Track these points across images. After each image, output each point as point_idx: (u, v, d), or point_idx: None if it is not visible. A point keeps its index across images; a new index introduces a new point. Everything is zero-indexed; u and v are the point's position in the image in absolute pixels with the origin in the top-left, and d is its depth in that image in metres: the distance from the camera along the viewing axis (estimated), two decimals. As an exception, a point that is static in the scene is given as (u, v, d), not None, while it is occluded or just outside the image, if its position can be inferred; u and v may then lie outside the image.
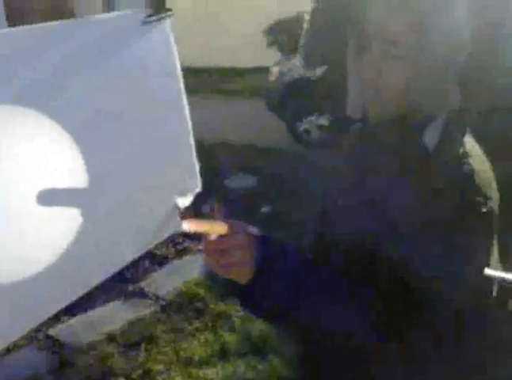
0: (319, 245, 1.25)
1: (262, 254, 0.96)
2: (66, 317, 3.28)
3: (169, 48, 1.27)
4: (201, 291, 3.54)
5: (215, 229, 0.94)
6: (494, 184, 1.07)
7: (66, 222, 1.12)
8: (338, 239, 1.13)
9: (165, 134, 1.30)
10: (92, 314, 3.38)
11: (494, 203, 1.04)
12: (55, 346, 3.14)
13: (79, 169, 1.09)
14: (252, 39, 8.38)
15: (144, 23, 1.20)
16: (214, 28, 9.50)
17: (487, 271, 1.05)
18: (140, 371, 2.95)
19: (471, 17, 0.99)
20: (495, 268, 1.11)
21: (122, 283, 3.60)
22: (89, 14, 1.22)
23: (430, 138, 1.05)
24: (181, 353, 3.06)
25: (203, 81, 8.51)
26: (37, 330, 3.10)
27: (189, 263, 3.90)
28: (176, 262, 3.96)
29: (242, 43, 8.91)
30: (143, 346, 3.12)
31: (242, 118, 6.92)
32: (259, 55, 8.00)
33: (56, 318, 3.19)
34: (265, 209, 4.59)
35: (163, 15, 1.21)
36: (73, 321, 3.31)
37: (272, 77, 6.44)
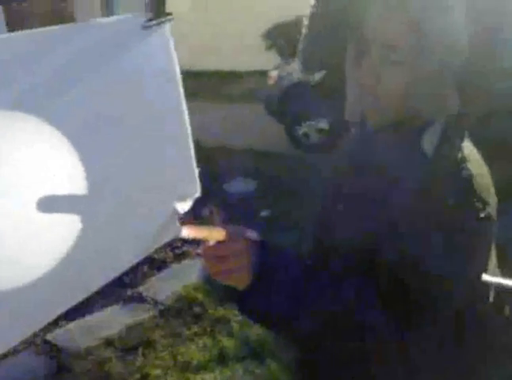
0: (318, 249, 1.25)
1: (260, 260, 0.96)
2: (64, 322, 3.28)
3: (168, 52, 1.27)
4: (200, 296, 3.54)
5: (213, 235, 0.94)
6: (492, 189, 1.07)
7: (66, 228, 1.12)
8: (338, 242, 1.13)
9: (164, 138, 1.29)
10: (90, 319, 3.38)
11: (493, 208, 1.04)
12: (53, 351, 3.14)
13: (79, 175, 1.09)
14: (251, 42, 8.39)
15: (144, 27, 1.20)
16: (213, 32, 9.51)
17: (485, 276, 1.05)
18: (138, 376, 2.95)
19: (469, 22, 0.99)
20: (493, 273, 1.11)
21: (120, 288, 3.60)
22: (88, 18, 1.21)
23: (429, 143, 1.05)
24: (179, 358, 3.06)
25: (202, 85, 8.51)
26: (35, 335, 3.09)
27: (188, 267, 3.90)
28: (175, 266, 3.96)
29: (241, 47, 8.92)
30: (140, 350, 3.12)
31: (241, 122, 6.92)
32: (258, 58, 8.00)
33: (54, 323, 3.18)
34: (264, 213, 4.59)
35: (163, 19, 1.21)
36: (71, 325, 3.31)
37: (271, 82, 6.45)
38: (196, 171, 1.38)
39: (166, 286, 3.72)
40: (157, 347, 3.16)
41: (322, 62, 1.19)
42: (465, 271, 1.01)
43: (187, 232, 0.91)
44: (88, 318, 3.38)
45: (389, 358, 1.02)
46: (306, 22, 1.15)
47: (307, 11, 1.14)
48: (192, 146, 1.36)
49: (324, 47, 1.15)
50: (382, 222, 1.02)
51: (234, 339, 3.16)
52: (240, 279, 0.96)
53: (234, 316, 3.25)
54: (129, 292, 3.64)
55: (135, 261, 1.33)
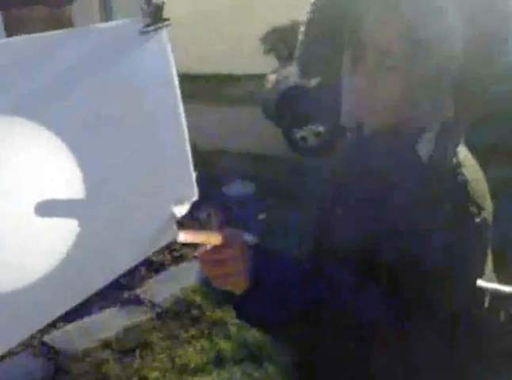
0: (316, 252, 1.25)
1: (257, 265, 0.97)
2: (61, 324, 3.28)
3: (166, 57, 1.27)
4: (198, 298, 3.54)
5: (210, 240, 0.94)
6: (487, 195, 1.07)
7: (64, 231, 1.12)
8: (337, 245, 1.14)
9: (161, 142, 1.30)
10: (87, 321, 3.38)
11: (488, 213, 1.05)
12: (51, 352, 3.14)
13: (76, 179, 1.09)
14: (249, 46, 8.40)
15: (142, 33, 1.20)
16: (210, 37, 9.53)
17: (480, 282, 1.05)
18: (135, 378, 2.95)
19: (464, 26, 0.99)
20: (490, 278, 1.12)
21: (118, 290, 3.60)
22: (87, 23, 1.22)
23: (424, 148, 1.05)
24: (177, 360, 3.06)
25: (200, 88, 8.52)
26: (32, 337, 3.09)
27: (186, 270, 3.90)
28: (173, 269, 3.96)
29: (238, 51, 8.93)
30: (138, 353, 3.12)
31: (239, 125, 6.93)
32: (256, 62, 8.01)
33: (52, 325, 3.18)
34: (261, 216, 4.60)
35: (160, 25, 1.22)
36: (69, 327, 3.31)
37: (269, 85, 6.46)
38: (194, 174, 1.39)
39: (163, 288, 3.72)
40: (155, 349, 3.16)
41: (319, 68, 1.20)
42: (462, 275, 1.02)
43: (184, 236, 0.92)
44: (86, 320, 3.38)
45: (388, 359, 1.02)
46: (302, 28, 1.16)
47: (304, 15, 1.15)
48: (189, 149, 1.37)
49: (321, 53, 1.16)
50: (380, 224, 1.02)
51: (231, 341, 3.17)
52: (237, 284, 0.97)
53: (232, 318, 3.25)
54: (127, 294, 3.64)
55: (132, 264, 1.34)
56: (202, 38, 9.59)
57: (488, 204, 1.06)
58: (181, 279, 3.79)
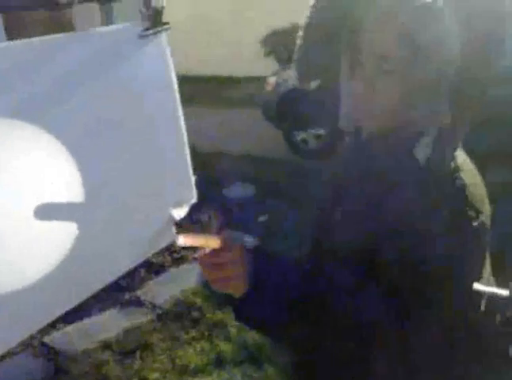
0: (316, 253, 1.25)
1: (256, 268, 0.97)
2: (61, 325, 3.28)
3: (165, 61, 1.28)
4: (198, 300, 3.54)
5: (209, 243, 0.94)
6: (486, 199, 1.07)
7: (64, 233, 1.13)
8: (337, 246, 1.14)
9: (160, 145, 1.31)
10: (87, 322, 3.38)
11: (486, 216, 1.05)
12: (51, 353, 3.14)
13: (76, 181, 1.10)
14: (248, 49, 8.40)
15: (141, 36, 1.21)
16: (210, 40, 9.53)
17: (476, 285, 1.05)
18: (136, 379, 2.95)
19: (461, 30, 0.99)
20: (488, 282, 1.12)
21: (118, 292, 3.60)
22: (88, 26, 1.23)
23: (422, 152, 1.05)
24: (177, 361, 3.06)
25: (200, 90, 8.52)
26: (33, 337, 3.10)
27: (186, 272, 3.90)
28: (173, 271, 3.95)
29: (238, 54, 8.93)
30: (138, 354, 3.12)
31: (238, 127, 6.92)
32: (256, 64, 8.01)
33: (52, 326, 3.19)
34: (262, 218, 4.60)
35: (159, 29, 1.23)
36: (69, 328, 3.31)
37: (269, 88, 6.44)
38: (193, 178, 1.40)
39: (164, 290, 3.72)
40: (155, 350, 3.16)
41: (317, 73, 1.20)
42: (460, 278, 1.02)
43: (183, 240, 0.92)
44: (86, 321, 3.37)
45: (388, 359, 1.02)
46: (301, 33, 1.16)
47: (303, 19, 1.15)
48: (188, 152, 1.38)
49: (319, 57, 1.16)
50: (379, 226, 1.02)
51: (231, 343, 3.16)
52: (237, 287, 0.97)
53: (232, 320, 3.24)
54: (127, 296, 3.64)
55: (131, 266, 1.35)
56: (202, 42, 9.59)
57: (486, 208, 1.06)
58: (182, 281, 3.79)
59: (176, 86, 1.30)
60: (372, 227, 1.04)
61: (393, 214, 1.01)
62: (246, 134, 6.58)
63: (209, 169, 4.98)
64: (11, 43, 1.04)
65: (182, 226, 1.32)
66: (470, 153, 1.11)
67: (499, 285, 1.12)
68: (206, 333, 3.27)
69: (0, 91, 0.98)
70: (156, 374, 2.98)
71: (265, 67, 7.19)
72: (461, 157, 1.08)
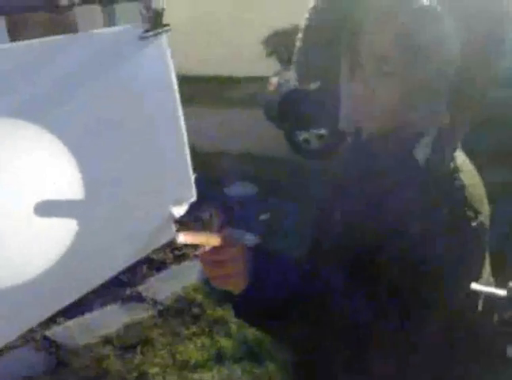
0: (316, 253, 1.26)
1: (256, 266, 0.98)
2: (62, 319, 3.31)
3: (165, 62, 1.30)
4: (199, 297, 3.55)
5: (210, 241, 0.95)
6: (485, 199, 1.08)
7: (64, 229, 1.15)
8: (336, 246, 1.15)
9: (160, 144, 1.33)
10: (88, 317, 3.40)
11: (485, 217, 1.05)
12: (52, 347, 3.17)
13: (77, 180, 1.12)
14: (249, 50, 8.38)
15: (141, 38, 1.22)
16: (211, 40, 9.52)
17: (473, 285, 1.06)
18: (136, 374, 2.97)
19: (461, 31, 1.00)
20: (487, 282, 1.13)
21: (119, 287, 3.62)
22: (89, 28, 1.24)
23: (421, 152, 1.05)
24: (178, 356, 3.08)
25: (200, 90, 8.50)
26: (34, 331, 3.12)
27: (188, 268, 3.91)
28: (174, 267, 3.97)
29: (239, 55, 8.92)
30: (139, 349, 3.14)
31: (239, 127, 6.91)
32: (257, 65, 8.00)
33: (53, 320, 3.21)
34: (263, 216, 4.61)
35: (160, 30, 1.24)
36: (70, 323, 3.32)
37: (271, 88, 6.42)
38: (192, 176, 1.41)
39: (165, 286, 3.73)
40: (155, 345, 3.17)
41: (317, 74, 1.20)
42: (459, 278, 1.03)
43: (184, 238, 0.92)
44: (87, 316, 3.40)
45: (387, 359, 1.03)
46: (300, 35, 1.16)
47: (303, 21, 1.15)
48: (188, 151, 1.39)
49: (318, 59, 1.16)
50: (379, 227, 1.03)
51: (232, 339, 3.18)
52: (237, 285, 0.97)
53: (233, 317, 3.25)
54: (128, 291, 3.66)
55: (131, 261, 1.37)
56: (202, 42, 9.57)
57: (485, 208, 1.06)
58: (183, 278, 3.80)
59: (176, 87, 1.31)
60: (372, 227, 1.04)
61: (393, 214, 1.02)
62: (247, 134, 6.56)
63: (210, 169, 4.97)
64: (13, 44, 1.06)
65: (183, 224, 1.34)
66: (469, 153, 1.12)
67: (499, 285, 1.12)
68: (206, 329, 3.29)
69: (2, 92, 0.99)
70: (156, 369, 3.00)
71: (265, 67, 7.16)
72: (461, 157, 1.08)
